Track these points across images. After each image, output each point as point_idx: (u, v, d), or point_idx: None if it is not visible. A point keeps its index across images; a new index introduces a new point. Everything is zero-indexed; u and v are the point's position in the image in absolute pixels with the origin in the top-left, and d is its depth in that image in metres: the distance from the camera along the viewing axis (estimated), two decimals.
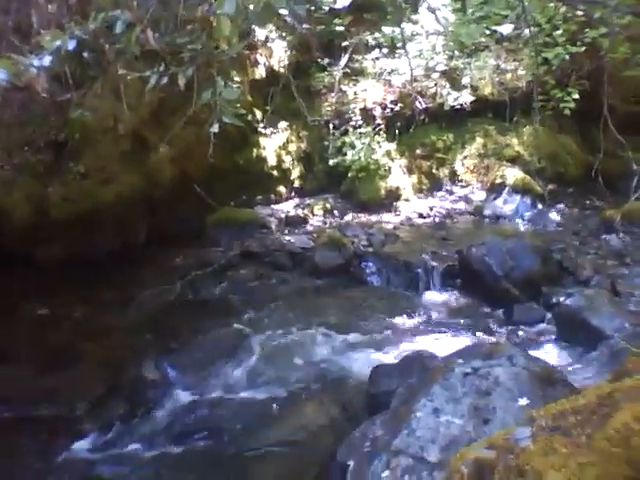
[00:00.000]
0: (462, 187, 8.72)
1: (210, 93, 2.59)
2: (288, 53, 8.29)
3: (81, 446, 3.83)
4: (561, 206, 8.21)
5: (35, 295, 5.59)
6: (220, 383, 4.41)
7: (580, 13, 6.88)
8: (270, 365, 4.61)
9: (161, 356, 4.64)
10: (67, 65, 3.14)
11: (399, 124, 8.64)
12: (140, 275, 6.09)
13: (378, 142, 8.40)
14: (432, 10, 6.18)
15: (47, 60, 2.76)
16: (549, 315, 5.24)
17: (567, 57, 7.50)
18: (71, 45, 2.65)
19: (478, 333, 5.06)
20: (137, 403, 4.19)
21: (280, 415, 4.02)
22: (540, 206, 8.10)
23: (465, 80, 8.64)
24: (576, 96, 7.59)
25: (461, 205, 8.37)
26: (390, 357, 4.57)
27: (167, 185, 6.78)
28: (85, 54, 2.92)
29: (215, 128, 2.58)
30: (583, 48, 7.40)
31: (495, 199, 8.21)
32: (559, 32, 7.43)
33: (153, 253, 6.48)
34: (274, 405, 4.13)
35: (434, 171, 8.85)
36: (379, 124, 8.49)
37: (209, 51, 2.72)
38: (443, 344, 4.73)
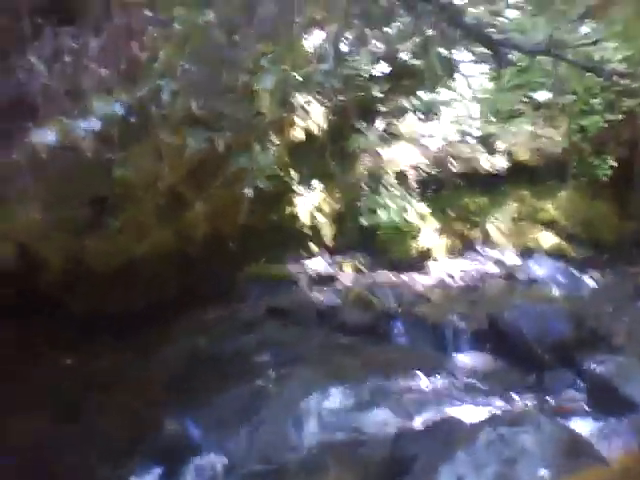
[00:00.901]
0: (495, 250, 8.67)
1: (246, 158, 2.72)
2: (325, 117, 8.51)
3: None
4: (595, 272, 8.07)
5: (62, 345, 5.65)
6: (240, 443, 4.43)
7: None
8: (291, 425, 4.61)
9: (183, 412, 4.69)
10: (114, 128, 3.33)
11: (433, 187, 8.71)
12: (167, 330, 6.12)
13: (411, 203, 8.47)
14: (466, 78, 6.35)
15: (95, 123, 2.94)
16: (580, 382, 5.16)
17: (604, 125, 7.54)
18: (120, 111, 2.83)
19: (506, 399, 4.99)
20: (157, 457, 4.24)
21: (300, 478, 4.00)
22: (574, 271, 8.01)
23: (500, 145, 8.73)
24: (613, 163, 7.61)
25: (493, 268, 8.29)
26: (415, 421, 4.54)
27: (200, 242, 6.87)
28: (131, 118, 3.10)
29: (250, 192, 2.71)
30: (621, 116, 7.45)
31: (528, 263, 8.15)
32: (597, 100, 7.48)
33: (182, 308, 6.48)
34: (294, 468, 4.11)
35: (466, 233, 8.82)
36: (412, 186, 8.58)
37: (249, 120, 2.88)
38: (470, 409, 4.66)
